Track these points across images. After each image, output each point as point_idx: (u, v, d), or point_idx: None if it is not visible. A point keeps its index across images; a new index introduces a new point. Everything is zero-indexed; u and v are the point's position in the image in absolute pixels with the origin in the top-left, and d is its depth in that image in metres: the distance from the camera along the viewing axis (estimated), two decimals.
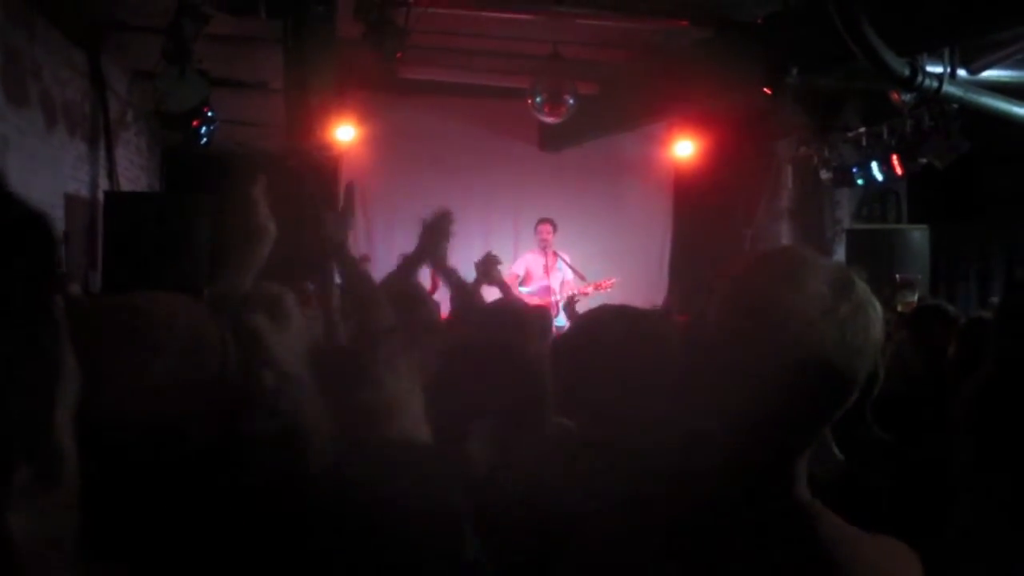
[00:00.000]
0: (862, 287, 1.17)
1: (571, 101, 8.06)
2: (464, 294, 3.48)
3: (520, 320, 3.18)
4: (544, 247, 8.63)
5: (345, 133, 8.96)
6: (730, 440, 1.18)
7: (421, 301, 3.28)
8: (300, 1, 5.19)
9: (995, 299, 7.16)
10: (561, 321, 7.14)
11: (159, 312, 1.39)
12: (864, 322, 1.14)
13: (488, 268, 4.04)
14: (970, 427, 1.28)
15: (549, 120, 8.29)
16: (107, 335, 1.34)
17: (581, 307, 7.08)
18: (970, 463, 1.28)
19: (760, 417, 1.14)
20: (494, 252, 4.26)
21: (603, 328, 1.70)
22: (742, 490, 1.17)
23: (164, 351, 1.34)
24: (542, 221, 8.70)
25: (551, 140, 9.69)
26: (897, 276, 7.41)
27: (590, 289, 8.40)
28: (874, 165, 8.21)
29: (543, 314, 4.52)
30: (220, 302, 1.83)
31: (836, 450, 1.62)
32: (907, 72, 5.55)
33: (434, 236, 3.20)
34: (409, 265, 3.24)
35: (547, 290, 8.50)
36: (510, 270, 8.71)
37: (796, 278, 1.14)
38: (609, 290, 8.37)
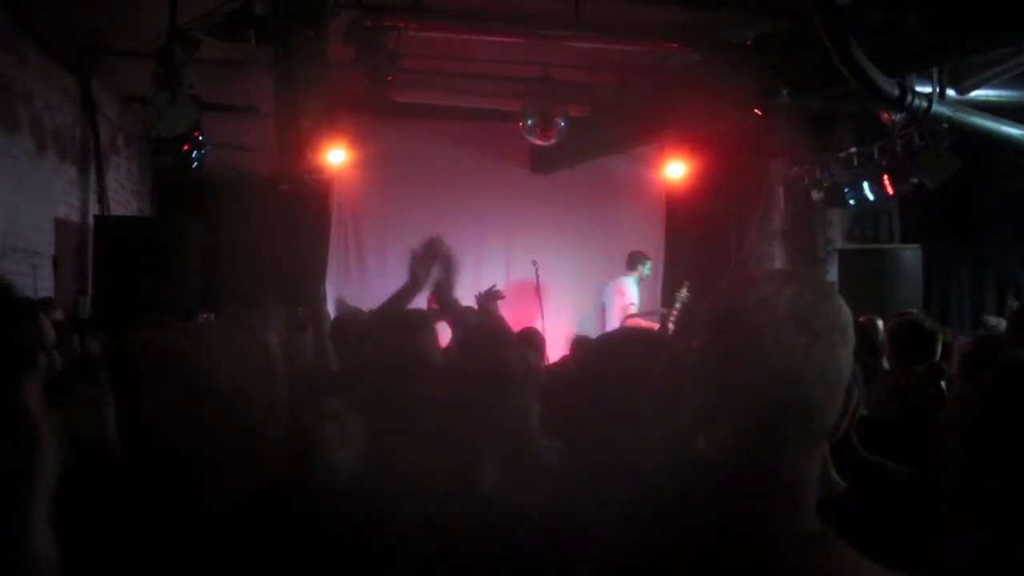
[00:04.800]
0: (832, 295, 1.18)
1: (562, 124, 8.07)
2: (468, 325, 3.47)
3: (523, 344, 3.18)
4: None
5: (336, 157, 8.94)
6: (725, 463, 1.16)
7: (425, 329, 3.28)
8: (290, 26, 5.17)
9: (988, 318, 7.16)
10: None
11: (206, 356, 1.36)
12: (838, 330, 1.15)
13: (489, 302, 4.09)
14: (969, 434, 1.25)
15: (540, 143, 8.30)
16: (154, 379, 1.31)
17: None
18: (965, 473, 1.25)
19: (750, 436, 1.14)
20: (497, 287, 4.31)
21: (625, 350, 1.68)
22: (744, 517, 1.14)
23: (210, 396, 1.31)
24: None
25: (543, 163, 9.70)
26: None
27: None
28: (865, 185, 8.22)
29: (538, 338, 4.56)
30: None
31: (836, 475, 1.60)
32: (896, 92, 5.56)
33: (447, 271, 3.22)
34: (402, 297, 3.23)
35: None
36: None
37: (765, 296, 1.15)
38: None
